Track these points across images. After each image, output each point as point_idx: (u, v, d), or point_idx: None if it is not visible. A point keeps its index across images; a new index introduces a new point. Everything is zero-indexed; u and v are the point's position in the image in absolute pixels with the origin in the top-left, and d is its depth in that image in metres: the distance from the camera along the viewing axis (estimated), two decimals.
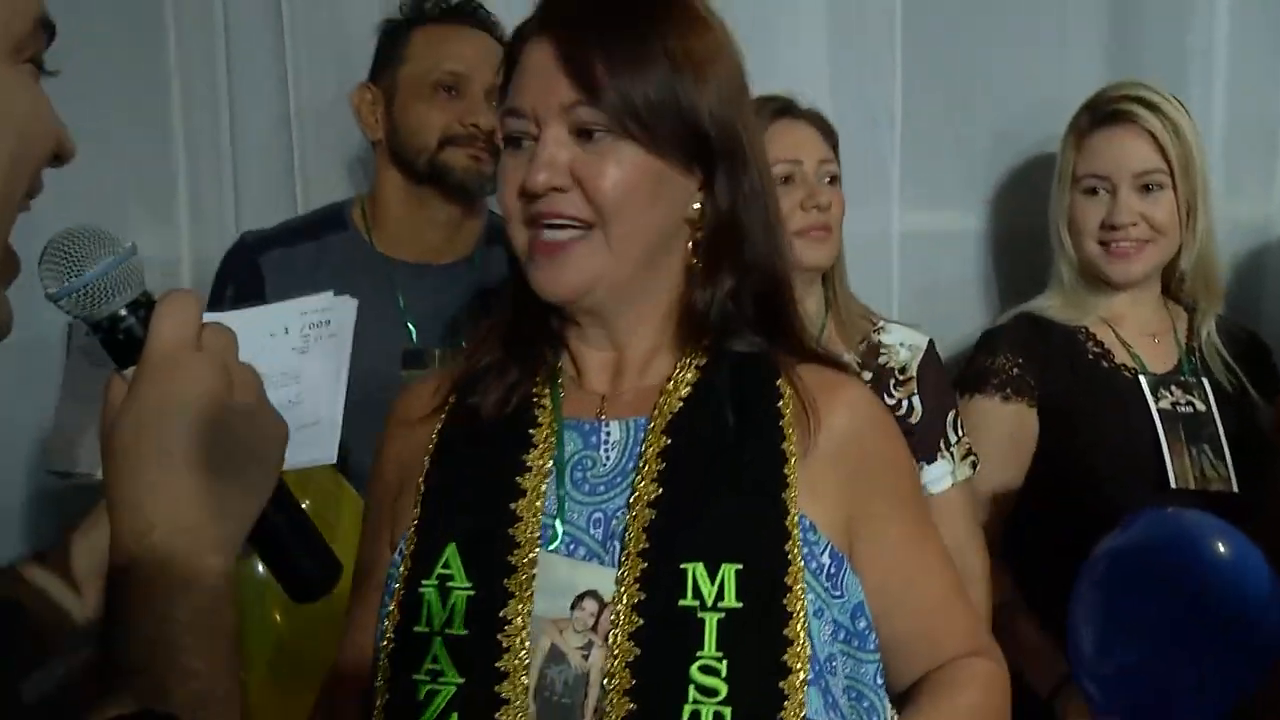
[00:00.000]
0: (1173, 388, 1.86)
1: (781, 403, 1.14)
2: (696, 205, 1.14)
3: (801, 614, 1.06)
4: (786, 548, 1.07)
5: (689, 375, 1.16)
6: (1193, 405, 1.84)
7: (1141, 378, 1.86)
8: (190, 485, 0.80)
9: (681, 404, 1.14)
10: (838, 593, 1.10)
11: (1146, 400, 1.82)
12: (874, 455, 1.16)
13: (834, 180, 1.84)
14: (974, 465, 1.84)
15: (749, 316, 1.16)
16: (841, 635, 1.11)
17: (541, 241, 1.11)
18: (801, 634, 1.06)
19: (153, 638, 0.77)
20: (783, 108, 1.81)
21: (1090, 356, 1.89)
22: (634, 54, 1.09)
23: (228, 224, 2.11)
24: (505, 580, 1.09)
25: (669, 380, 1.16)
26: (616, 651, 1.05)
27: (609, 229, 1.10)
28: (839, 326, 1.85)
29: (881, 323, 1.88)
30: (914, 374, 1.83)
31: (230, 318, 1.18)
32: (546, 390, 1.18)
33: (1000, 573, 1.82)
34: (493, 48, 1.93)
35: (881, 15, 2.14)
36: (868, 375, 1.82)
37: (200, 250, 2.10)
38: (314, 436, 1.15)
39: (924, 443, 1.81)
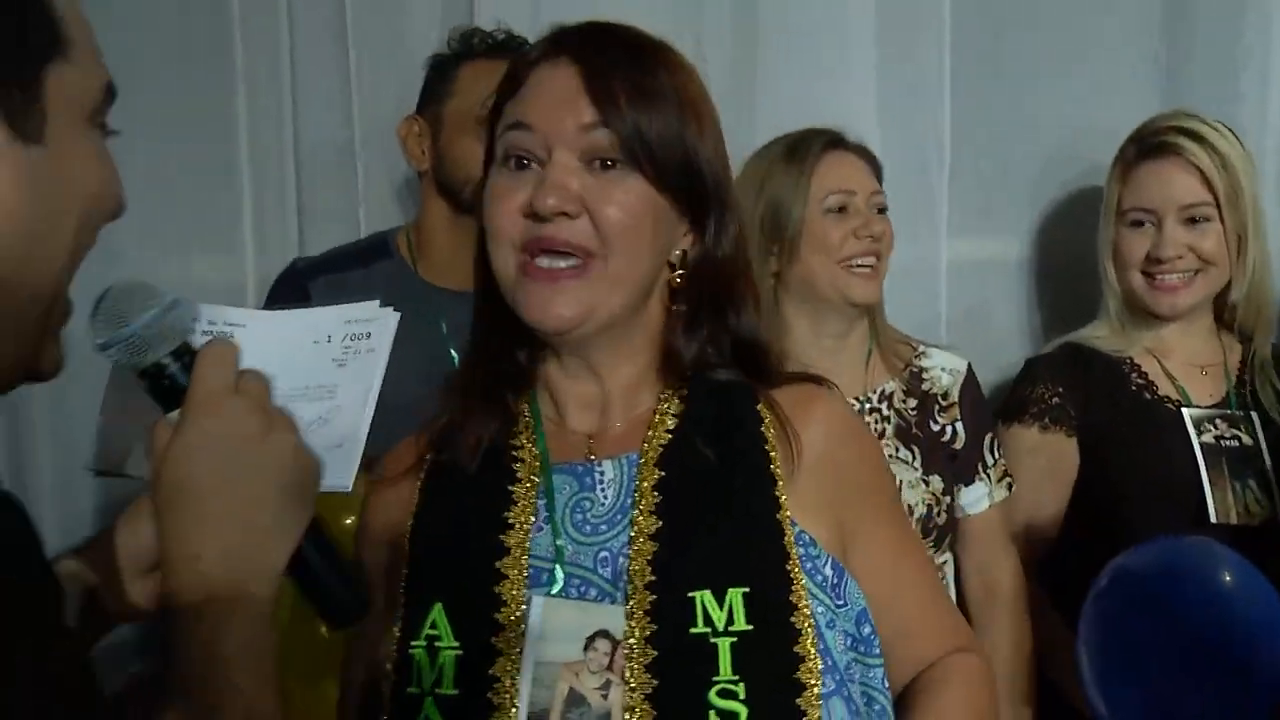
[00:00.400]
0: (1218, 421, 1.86)
1: (763, 426, 1.17)
2: (679, 250, 1.17)
3: (810, 630, 1.10)
4: (788, 567, 1.11)
5: (673, 407, 1.18)
6: (1239, 439, 1.84)
7: (1185, 410, 1.87)
8: (233, 520, 0.88)
9: (669, 435, 1.17)
10: (841, 602, 1.14)
11: (1189, 433, 1.83)
12: (851, 463, 1.20)
13: (883, 210, 1.88)
14: (1010, 487, 1.88)
15: (725, 353, 1.19)
16: (850, 643, 1.14)
17: (536, 268, 1.11)
18: (812, 649, 1.09)
19: (203, 658, 0.85)
20: (833, 140, 1.87)
21: (1133, 388, 1.91)
22: (649, 89, 1.13)
23: (290, 250, 2.19)
24: (492, 639, 1.12)
25: (654, 413, 1.18)
26: (634, 685, 1.08)
27: (609, 260, 1.11)
28: (884, 356, 1.89)
29: (920, 347, 1.93)
30: (956, 399, 1.88)
31: (278, 317, 1.26)
32: (525, 438, 1.20)
33: (1039, 598, 1.87)
34: None
35: (930, 48, 2.18)
36: (913, 402, 1.86)
37: (265, 275, 2.17)
38: (335, 460, 1.17)
39: (965, 466, 1.87)
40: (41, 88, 0.87)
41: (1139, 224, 1.92)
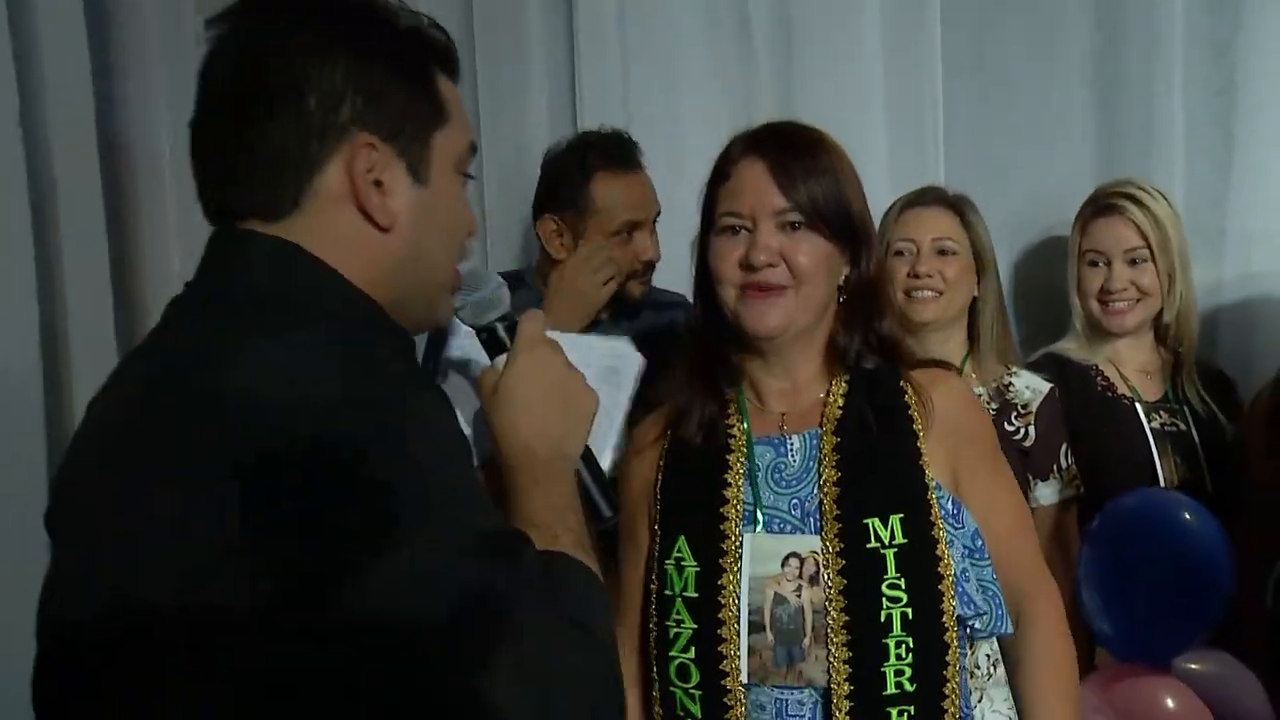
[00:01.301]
0: (1161, 412, 2.38)
1: (905, 397, 1.57)
2: (844, 275, 1.59)
3: (943, 542, 1.51)
4: (929, 500, 1.52)
5: (840, 390, 1.58)
6: (1176, 426, 2.36)
7: (1138, 405, 2.37)
8: (548, 418, 1.18)
9: (840, 412, 1.57)
10: (959, 525, 1.55)
11: (1142, 422, 2.34)
12: (967, 425, 1.61)
13: (945, 252, 2.31)
14: (1078, 489, 2.29)
15: (873, 346, 1.61)
16: (967, 553, 1.55)
17: (754, 285, 1.52)
18: (945, 555, 1.51)
19: (544, 506, 1.15)
20: (910, 200, 2.35)
21: (1099, 388, 2.41)
22: (815, 168, 1.55)
23: None
24: (720, 560, 1.54)
25: (827, 394, 1.58)
26: (830, 583, 1.49)
27: (800, 290, 1.54)
28: (976, 367, 2.32)
29: (1015, 369, 2.34)
30: (1034, 410, 2.28)
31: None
32: (734, 419, 1.61)
33: None
34: (649, 184, 2.35)
35: (928, 129, 2.64)
36: (995, 407, 2.26)
37: None
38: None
39: (1039, 465, 2.28)
40: (430, 146, 1.12)
41: (1094, 263, 2.43)
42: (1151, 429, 2.35)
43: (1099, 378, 2.44)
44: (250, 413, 0.94)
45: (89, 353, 2.12)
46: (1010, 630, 1.60)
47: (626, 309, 2.35)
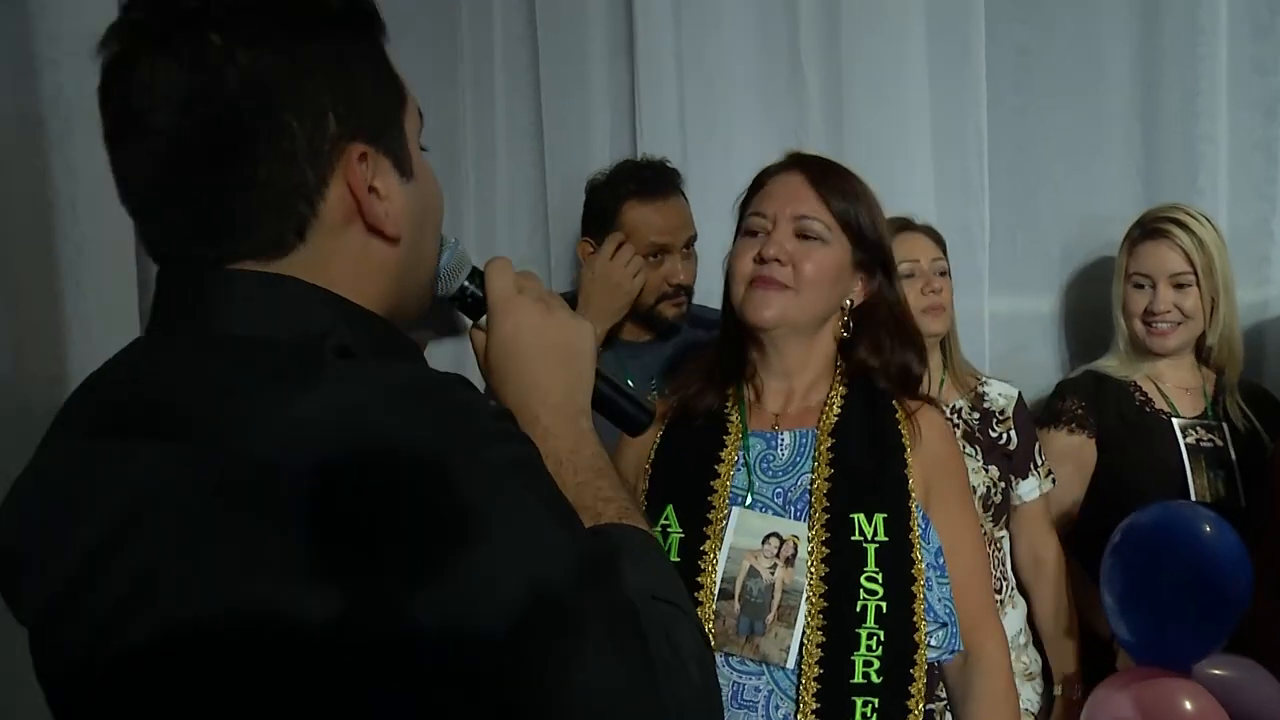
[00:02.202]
0: (1198, 428, 2.43)
1: (896, 415, 1.69)
2: (850, 300, 1.71)
3: (919, 548, 1.61)
4: (910, 507, 1.63)
5: (838, 398, 1.71)
6: (1214, 441, 2.41)
7: (1174, 420, 2.43)
8: (548, 380, 1.07)
9: (837, 417, 1.69)
10: (927, 542, 1.64)
11: (1176, 436, 2.40)
12: (945, 457, 1.72)
13: (944, 273, 2.44)
14: (1053, 481, 2.43)
15: (890, 373, 1.72)
16: (930, 567, 1.63)
17: (760, 278, 1.65)
18: (919, 558, 1.60)
19: (577, 484, 1.02)
20: (904, 225, 2.44)
21: (1136, 403, 2.47)
22: (848, 189, 1.71)
23: None
24: (704, 529, 1.64)
25: (826, 402, 1.70)
26: (813, 570, 1.59)
27: (801, 294, 1.66)
28: (954, 380, 2.45)
29: (985, 378, 2.48)
30: (1010, 415, 2.41)
31: None
32: (734, 411, 1.73)
33: (1073, 563, 2.43)
34: (685, 209, 2.46)
35: (972, 157, 2.72)
36: (976, 415, 2.39)
37: None
38: None
39: (1020, 464, 2.40)
40: (404, 133, 1.01)
41: (1140, 285, 2.49)
42: (1186, 444, 2.40)
43: (1137, 393, 2.50)
44: (349, 475, 0.84)
45: None
46: (961, 647, 1.68)
47: (669, 328, 2.47)
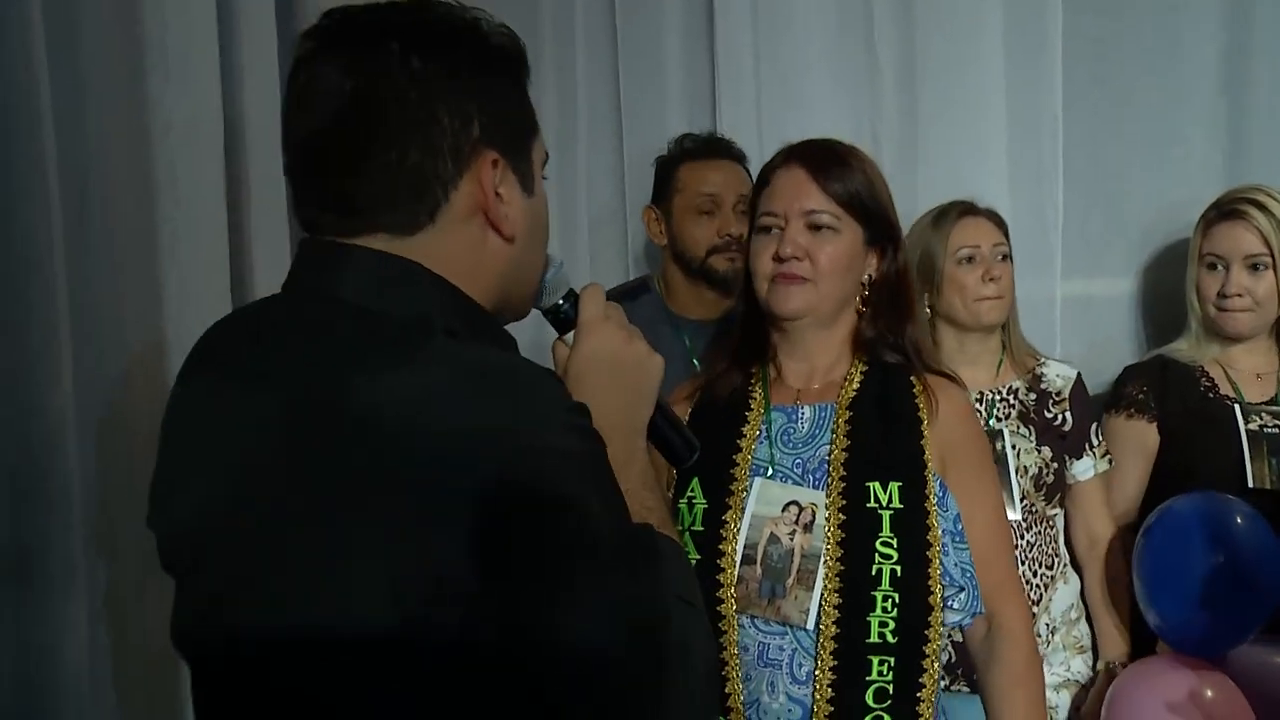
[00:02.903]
0: (1263, 414, 2.40)
1: (914, 391, 1.77)
2: (868, 275, 1.79)
3: (934, 515, 1.68)
4: (925, 476, 1.70)
5: (858, 374, 1.78)
6: (1278, 428, 2.38)
7: (1236, 406, 2.41)
8: (617, 399, 1.19)
9: (855, 392, 1.76)
10: (944, 509, 1.71)
11: (1238, 422, 2.38)
12: (963, 432, 1.78)
13: (1005, 258, 2.45)
14: (1110, 462, 2.44)
15: (898, 347, 1.80)
16: (948, 534, 1.69)
17: (781, 274, 1.74)
18: (935, 526, 1.67)
19: (626, 491, 1.11)
20: (966, 208, 2.47)
21: (1201, 389, 2.46)
22: (849, 173, 1.77)
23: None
24: (726, 499, 1.72)
25: (845, 378, 1.78)
26: (830, 536, 1.67)
27: (820, 284, 1.75)
28: (1012, 361, 2.47)
29: (1044, 359, 2.50)
30: (1067, 396, 2.44)
31: None
32: (757, 388, 1.81)
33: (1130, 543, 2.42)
34: (738, 171, 2.57)
35: (1046, 139, 2.74)
36: (1033, 396, 2.41)
37: None
38: None
39: (1074, 444, 2.42)
40: (532, 157, 1.18)
41: (1213, 266, 2.47)
42: (1248, 430, 2.39)
43: (1203, 379, 2.50)
44: (433, 442, 0.97)
45: None
46: (982, 609, 1.74)
47: (720, 281, 2.55)
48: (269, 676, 1.06)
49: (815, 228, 1.77)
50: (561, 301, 1.27)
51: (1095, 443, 2.45)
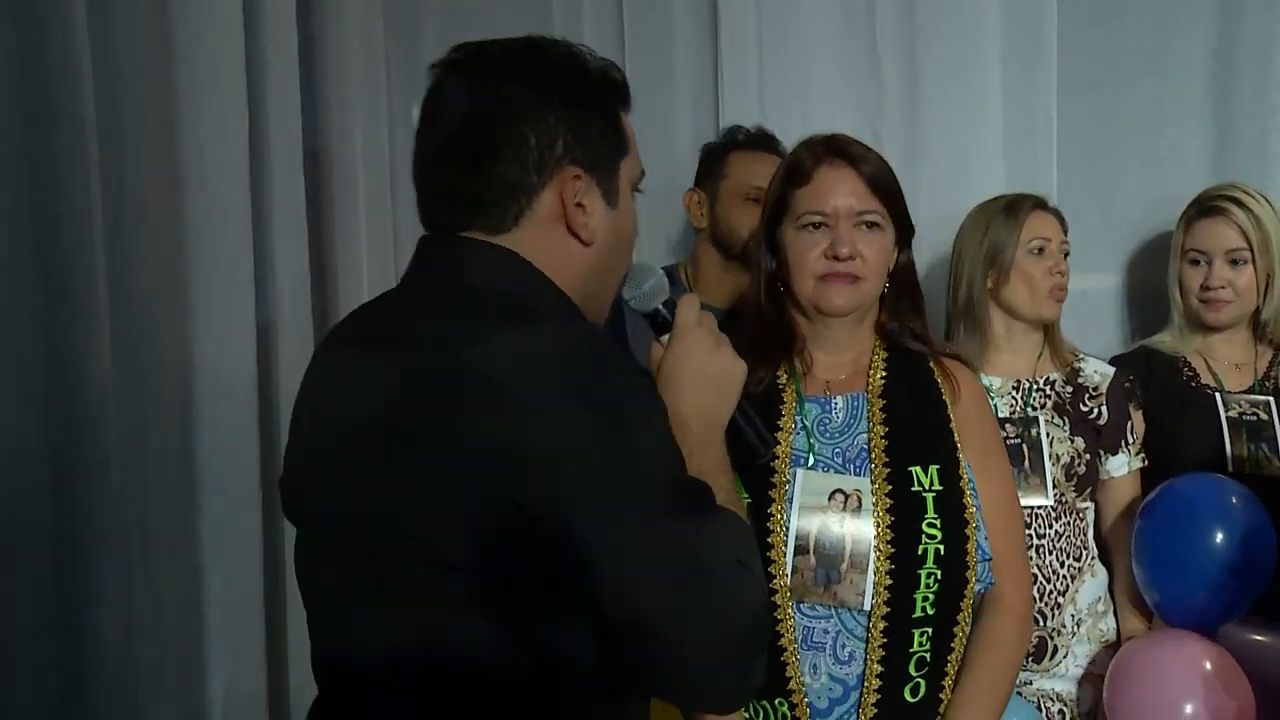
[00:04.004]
0: (1242, 401, 2.50)
1: (935, 374, 1.86)
2: (891, 266, 1.87)
3: (969, 494, 1.77)
4: (958, 456, 1.79)
5: (881, 362, 1.87)
6: (1258, 415, 2.48)
7: (1219, 394, 2.51)
8: (703, 396, 1.37)
9: (883, 380, 1.85)
10: (974, 487, 1.79)
11: (1219, 410, 2.48)
12: (977, 413, 1.88)
13: (1066, 255, 2.50)
14: (1143, 460, 2.47)
15: (911, 330, 1.90)
16: (979, 510, 1.78)
17: (834, 273, 1.80)
18: (970, 504, 1.76)
19: (699, 471, 1.29)
20: (1039, 203, 2.53)
21: (1184, 378, 2.55)
22: (884, 175, 1.85)
23: None
24: (769, 492, 1.77)
25: (870, 366, 1.86)
26: (877, 520, 1.73)
27: (867, 281, 1.83)
28: (1053, 356, 2.52)
29: (1084, 356, 2.53)
30: (1104, 392, 2.46)
31: None
32: (787, 380, 1.86)
33: None
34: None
35: (1042, 140, 2.82)
36: (1069, 389, 2.45)
37: None
38: None
39: (1110, 440, 2.45)
40: (618, 174, 1.36)
41: (1196, 262, 2.56)
42: (1228, 417, 2.48)
43: (1185, 369, 2.59)
44: (513, 397, 1.16)
45: (294, 351, 2.38)
46: (993, 580, 1.83)
47: None
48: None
49: (867, 226, 1.83)
50: (660, 307, 1.44)
51: (1130, 440, 2.49)
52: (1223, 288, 2.54)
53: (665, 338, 1.41)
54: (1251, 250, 2.52)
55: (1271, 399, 2.53)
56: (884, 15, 2.93)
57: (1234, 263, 2.54)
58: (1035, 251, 2.46)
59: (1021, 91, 2.87)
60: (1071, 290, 2.78)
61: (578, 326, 1.29)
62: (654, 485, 1.18)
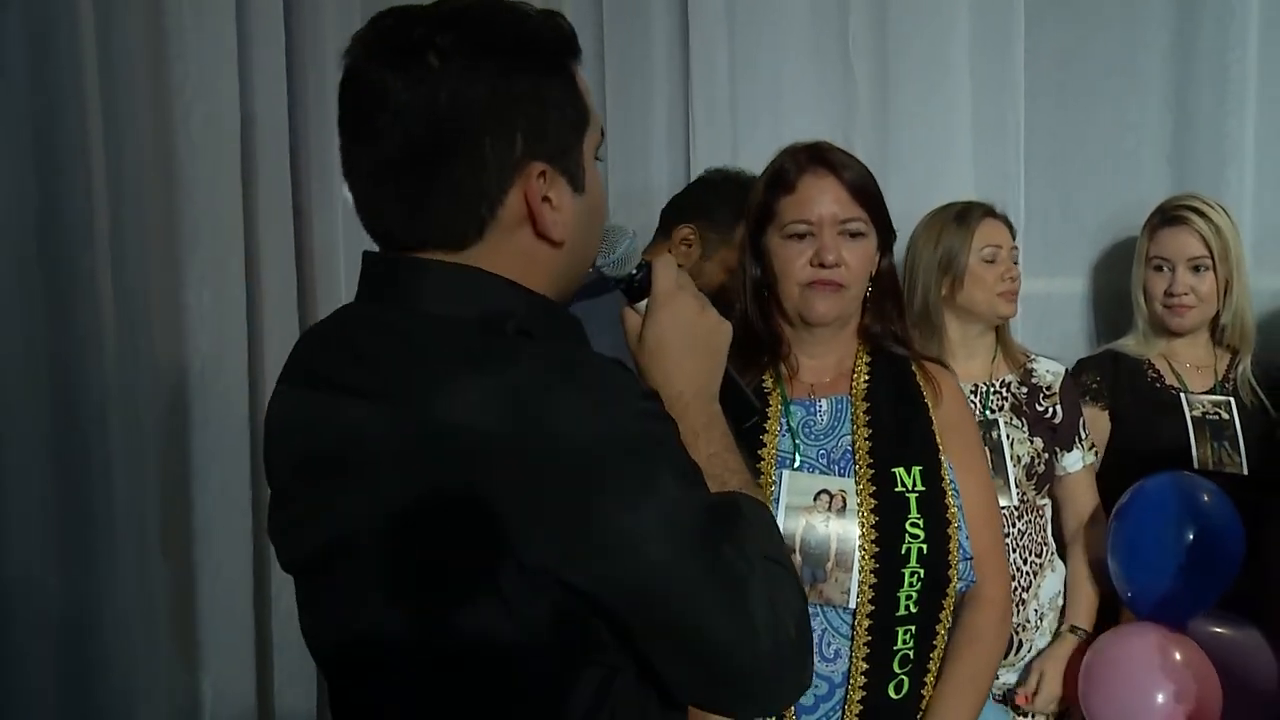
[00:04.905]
0: (1205, 402, 2.60)
1: (917, 378, 1.88)
2: (873, 270, 1.88)
3: (950, 495, 1.79)
4: (940, 458, 1.82)
5: (865, 366, 1.89)
6: (1220, 414, 2.58)
7: (1182, 394, 2.60)
8: (694, 365, 1.25)
9: (867, 382, 1.87)
10: (956, 488, 1.81)
11: (1183, 408, 2.57)
12: (958, 414, 1.90)
13: (1017, 261, 2.57)
14: (1096, 454, 2.57)
15: (893, 333, 1.91)
16: (961, 511, 1.81)
17: (821, 281, 1.82)
18: (952, 505, 1.79)
19: (710, 455, 1.19)
20: (988, 210, 2.59)
21: (1149, 380, 2.64)
22: (867, 182, 1.86)
23: None
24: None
25: (854, 370, 1.88)
26: (862, 520, 1.75)
27: (851, 288, 1.84)
28: (1006, 358, 2.59)
29: (1035, 356, 2.60)
30: (1057, 390, 2.54)
31: None
32: (772, 383, 1.88)
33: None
34: None
35: (1010, 148, 2.89)
36: (1024, 390, 2.52)
37: None
38: None
39: (1065, 437, 2.52)
40: (581, 152, 1.18)
41: (1160, 268, 2.65)
42: (1192, 416, 2.58)
43: (1150, 370, 2.68)
44: (512, 443, 1.03)
45: (280, 347, 2.28)
46: (975, 579, 1.85)
47: None
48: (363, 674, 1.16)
49: (851, 234, 1.85)
50: (635, 271, 1.31)
51: (1083, 435, 2.57)
52: (1186, 294, 2.64)
53: (641, 305, 1.30)
54: (1213, 258, 2.62)
55: (1232, 399, 2.62)
56: (856, 23, 2.99)
57: (1196, 269, 2.64)
58: (988, 259, 2.53)
59: (990, 99, 2.93)
60: (1036, 293, 2.95)
61: (563, 352, 1.13)
62: (673, 528, 1.07)
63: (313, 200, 2.59)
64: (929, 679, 1.83)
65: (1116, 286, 2.91)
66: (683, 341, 1.25)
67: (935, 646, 1.81)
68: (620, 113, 3.08)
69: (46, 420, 1.87)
